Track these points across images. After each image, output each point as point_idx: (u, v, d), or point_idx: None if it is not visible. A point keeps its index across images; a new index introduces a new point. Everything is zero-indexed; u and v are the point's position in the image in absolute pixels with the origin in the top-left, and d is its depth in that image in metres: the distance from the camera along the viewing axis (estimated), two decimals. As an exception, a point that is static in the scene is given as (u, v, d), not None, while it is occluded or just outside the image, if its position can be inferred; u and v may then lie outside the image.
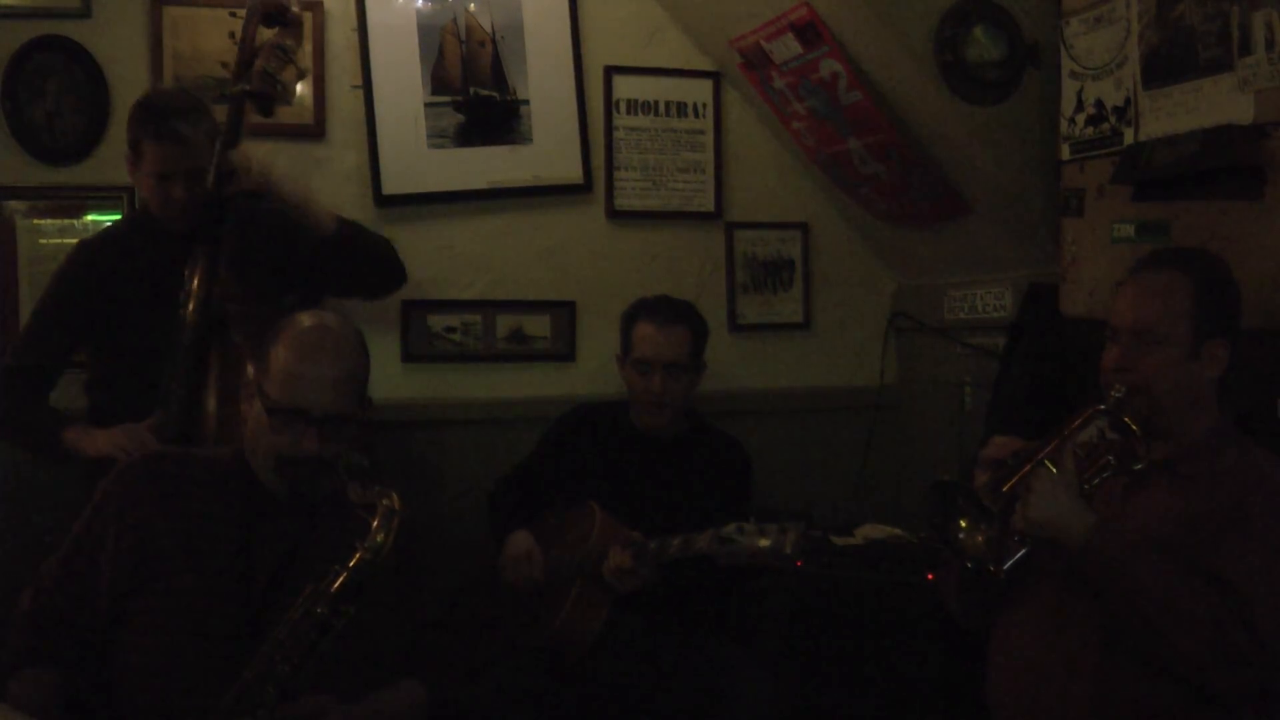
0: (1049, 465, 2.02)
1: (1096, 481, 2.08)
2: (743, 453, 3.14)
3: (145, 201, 2.84)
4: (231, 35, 3.16)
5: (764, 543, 2.55)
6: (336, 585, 1.81)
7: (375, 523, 1.84)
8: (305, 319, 2.04)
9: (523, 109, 3.60)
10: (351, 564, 1.82)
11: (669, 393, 3.01)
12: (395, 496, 1.86)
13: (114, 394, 2.76)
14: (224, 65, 2.90)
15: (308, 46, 3.41)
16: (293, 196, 2.78)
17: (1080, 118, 2.94)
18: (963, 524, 2.00)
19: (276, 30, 2.85)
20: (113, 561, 1.95)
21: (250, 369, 2.13)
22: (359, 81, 3.46)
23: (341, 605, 1.81)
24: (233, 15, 3.31)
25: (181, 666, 1.89)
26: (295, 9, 2.89)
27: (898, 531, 3.34)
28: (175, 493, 2.00)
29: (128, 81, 3.27)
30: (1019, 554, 2.04)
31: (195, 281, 2.66)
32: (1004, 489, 2.00)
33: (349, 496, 1.90)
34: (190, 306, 2.65)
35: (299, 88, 2.99)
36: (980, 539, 1.99)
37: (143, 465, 2.05)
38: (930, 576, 2.87)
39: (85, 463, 2.63)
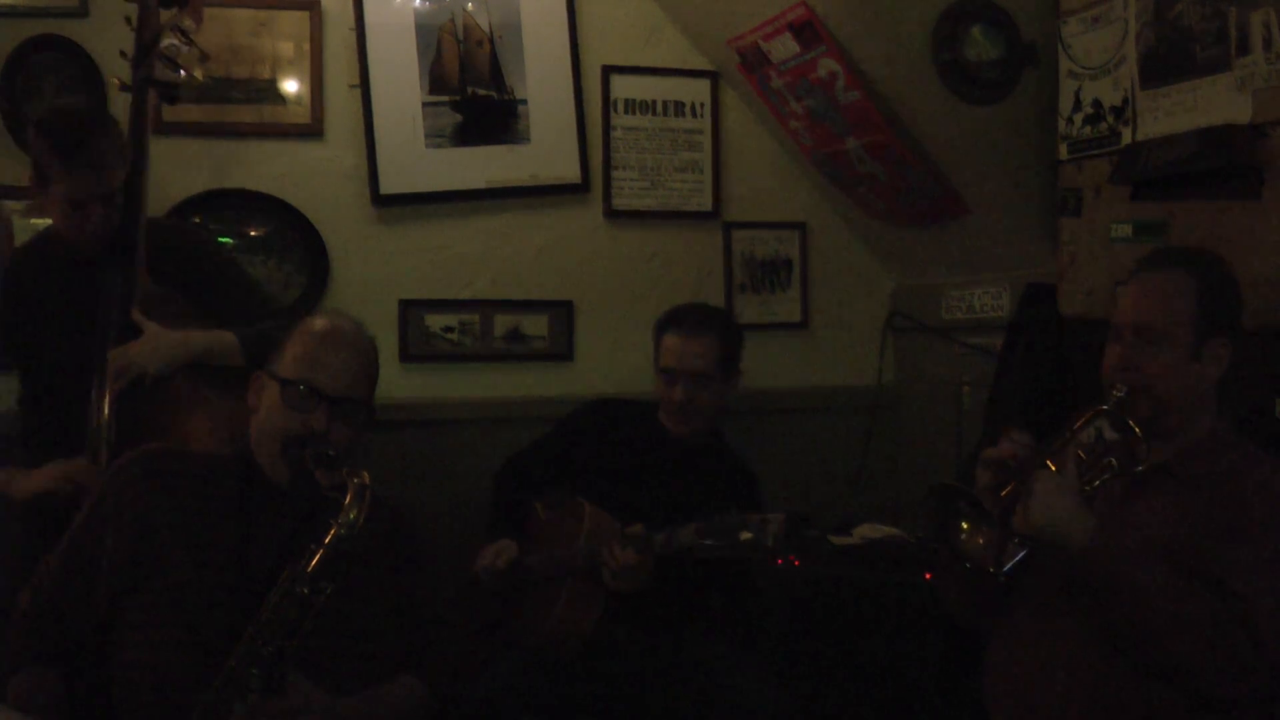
0: (1050, 467, 2.01)
1: (1097, 484, 2.08)
2: (749, 475, 3.12)
3: (54, 224, 2.64)
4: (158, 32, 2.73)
5: (746, 536, 2.56)
6: (314, 564, 1.83)
7: (348, 499, 1.86)
8: (323, 317, 2.14)
9: (520, 108, 3.60)
10: (327, 541, 1.84)
11: (693, 402, 2.99)
12: (365, 474, 1.89)
13: (43, 417, 2.62)
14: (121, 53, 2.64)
15: (306, 46, 3.42)
16: (191, 354, 2.57)
17: (1078, 117, 2.95)
18: (964, 527, 2.00)
19: (174, 11, 2.68)
20: (111, 558, 1.96)
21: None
22: (357, 81, 3.46)
23: (321, 583, 1.82)
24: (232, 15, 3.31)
25: (180, 662, 1.88)
26: None
27: (896, 531, 3.34)
28: (173, 489, 2.01)
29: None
30: (1019, 556, 2.04)
31: (113, 307, 2.51)
32: (1004, 493, 1.99)
33: (319, 481, 1.94)
34: (110, 334, 2.49)
35: (200, 73, 2.80)
36: (981, 542, 1.99)
37: (140, 462, 2.05)
38: (928, 576, 2.87)
39: (17, 506, 2.45)
